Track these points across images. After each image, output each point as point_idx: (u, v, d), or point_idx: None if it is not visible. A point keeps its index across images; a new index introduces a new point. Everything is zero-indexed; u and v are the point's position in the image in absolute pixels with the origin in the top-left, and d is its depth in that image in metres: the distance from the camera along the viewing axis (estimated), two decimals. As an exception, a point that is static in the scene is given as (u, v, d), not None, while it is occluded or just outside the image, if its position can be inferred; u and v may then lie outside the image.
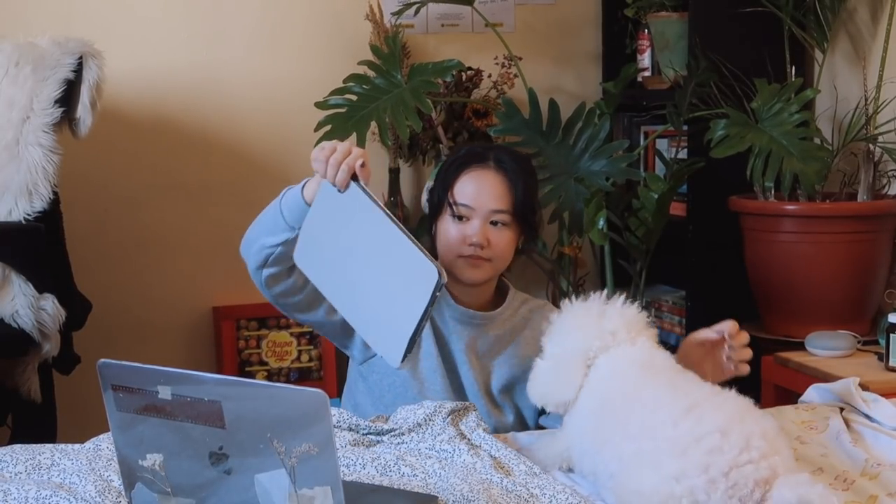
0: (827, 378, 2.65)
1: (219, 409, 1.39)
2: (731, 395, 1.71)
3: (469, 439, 1.90)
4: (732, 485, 1.55)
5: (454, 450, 1.85)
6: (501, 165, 2.25)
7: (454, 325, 2.26)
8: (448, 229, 2.23)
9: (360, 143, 3.15)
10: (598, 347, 1.87)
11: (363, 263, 1.77)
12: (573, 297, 1.99)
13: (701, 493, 1.55)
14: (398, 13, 3.56)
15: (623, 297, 1.98)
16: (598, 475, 1.73)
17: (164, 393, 1.40)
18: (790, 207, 3.25)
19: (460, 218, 2.22)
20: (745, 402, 1.69)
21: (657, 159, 3.70)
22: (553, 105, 3.33)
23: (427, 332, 2.23)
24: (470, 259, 2.21)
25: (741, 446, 1.57)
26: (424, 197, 2.34)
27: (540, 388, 1.92)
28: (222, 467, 1.41)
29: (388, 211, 1.73)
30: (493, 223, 2.22)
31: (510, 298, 2.32)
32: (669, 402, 1.67)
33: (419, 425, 1.93)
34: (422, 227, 3.32)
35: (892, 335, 2.82)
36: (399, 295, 1.72)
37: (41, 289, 2.88)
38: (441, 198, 2.25)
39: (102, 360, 1.43)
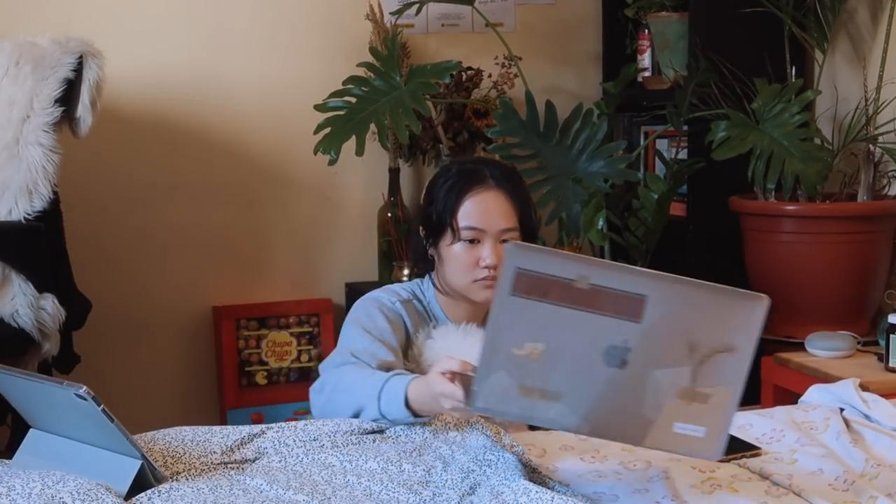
0: (827, 378, 2.65)
1: (640, 304, 1.37)
2: None
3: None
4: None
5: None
6: (500, 183, 2.26)
7: None
8: (459, 255, 2.24)
9: (360, 145, 3.16)
10: None
11: None
12: None
13: None
14: (398, 13, 3.56)
15: None
16: None
17: (583, 282, 1.37)
18: (790, 207, 3.25)
19: (470, 242, 2.23)
20: None
21: (657, 159, 3.70)
22: (550, 106, 3.33)
23: None
24: (484, 281, 2.23)
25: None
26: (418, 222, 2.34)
27: None
28: (616, 361, 1.39)
29: None
30: (503, 241, 2.23)
31: None
32: None
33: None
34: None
35: (891, 335, 2.82)
36: None
37: (41, 288, 2.88)
38: (444, 223, 2.25)
39: (514, 242, 1.39)
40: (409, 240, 2.42)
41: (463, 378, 1.72)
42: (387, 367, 2.11)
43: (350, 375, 2.05)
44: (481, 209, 2.23)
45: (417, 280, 2.37)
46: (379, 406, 1.94)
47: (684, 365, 1.38)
